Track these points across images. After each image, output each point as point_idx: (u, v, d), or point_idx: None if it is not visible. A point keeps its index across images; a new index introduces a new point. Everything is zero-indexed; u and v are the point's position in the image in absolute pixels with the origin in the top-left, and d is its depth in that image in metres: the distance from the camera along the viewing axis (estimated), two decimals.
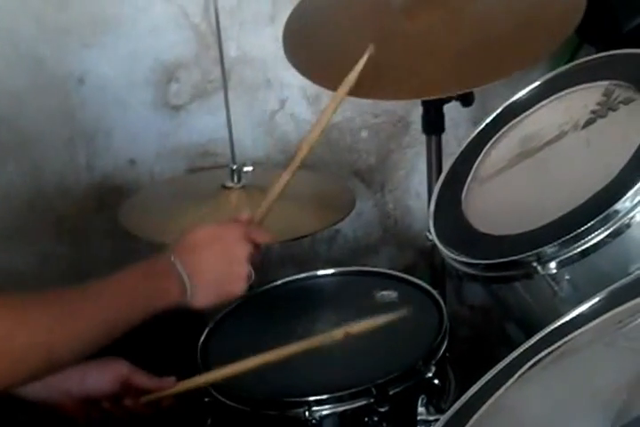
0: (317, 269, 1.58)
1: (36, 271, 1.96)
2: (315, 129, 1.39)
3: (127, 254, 2.00)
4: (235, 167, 1.64)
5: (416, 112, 1.89)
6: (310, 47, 1.61)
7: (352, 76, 1.40)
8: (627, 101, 1.26)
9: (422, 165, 1.91)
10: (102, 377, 1.25)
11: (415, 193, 2.10)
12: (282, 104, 2.00)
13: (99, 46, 1.88)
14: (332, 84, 1.50)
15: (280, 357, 1.26)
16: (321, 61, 1.58)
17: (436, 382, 1.30)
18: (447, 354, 1.36)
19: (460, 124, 1.97)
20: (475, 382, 1.03)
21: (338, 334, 1.29)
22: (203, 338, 1.41)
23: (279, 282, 1.54)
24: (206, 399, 1.32)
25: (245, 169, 1.65)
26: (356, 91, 1.48)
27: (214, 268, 1.21)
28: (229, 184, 1.64)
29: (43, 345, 1.00)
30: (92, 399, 1.26)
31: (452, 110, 1.66)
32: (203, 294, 1.20)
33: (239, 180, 1.64)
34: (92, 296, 1.10)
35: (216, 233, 1.24)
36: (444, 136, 1.68)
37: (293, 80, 1.95)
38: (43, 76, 1.87)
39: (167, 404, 1.27)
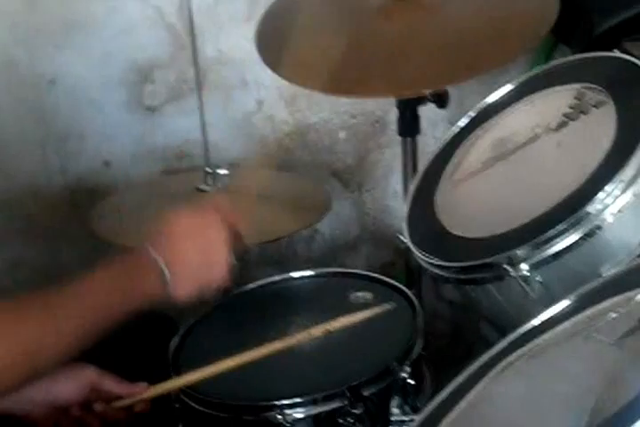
0: (293, 270, 1.59)
1: (6, 275, 1.96)
2: None
3: (100, 258, 2.01)
4: (209, 170, 1.65)
5: (393, 113, 1.88)
6: (285, 47, 1.62)
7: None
8: (598, 104, 1.28)
9: (400, 165, 1.92)
10: (70, 385, 1.23)
11: (393, 193, 2.11)
12: (259, 105, 2.01)
13: (71, 47, 1.87)
14: (307, 83, 1.53)
15: (254, 358, 1.26)
16: (295, 61, 1.59)
17: (411, 382, 1.31)
18: (423, 353, 1.37)
19: (437, 125, 1.99)
20: (451, 379, 1.05)
21: (317, 330, 1.29)
22: (175, 342, 1.41)
23: (252, 285, 1.54)
24: (177, 405, 1.32)
25: (220, 172, 1.66)
26: (332, 88, 1.51)
27: (193, 257, 1.19)
28: (204, 187, 1.65)
29: (27, 352, 1.00)
30: (59, 407, 1.24)
31: (428, 111, 1.67)
32: (184, 285, 1.18)
33: (214, 183, 1.64)
34: (73, 297, 1.09)
35: (193, 221, 1.21)
36: (421, 137, 1.69)
37: (270, 81, 1.95)
38: (14, 78, 1.87)
39: (141, 409, 1.25)
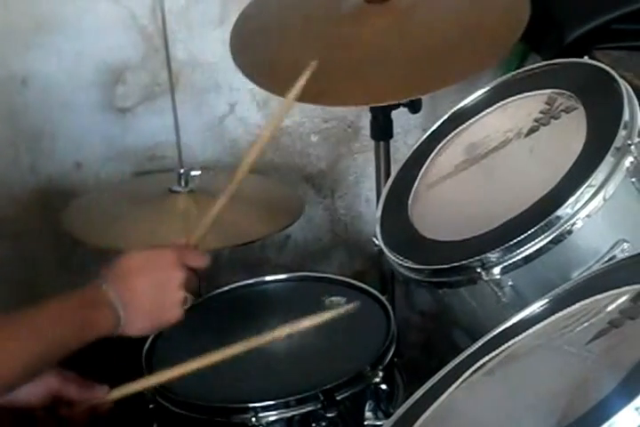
0: (266, 274, 1.60)
1: None
2: (257, 145, 1.37)
3: (71, 259, 2.02)
4: (182, 171, 1.65)
5: (366, 118, 1.90)
6: (257, 51, 1.62)
7: (293, 94, 1.38)
8: (568, 110, 1.30)
9: (372, 171, 1.93)
10: (31, 391, 1.21)
11: (365, 198, 2.13)
12: (231, 108, 2.01)
13: (43, 47, 1.87)
14: (278, 89, 1.51)
15: (221, 358, 1.24)
16: (267, 66, 1.60)
17: (384, 387, 1.33)
18: (395, 359, 1.39)
19: (410, 131, 2.00)
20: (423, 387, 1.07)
21: (282, 331, 1.28)
22: (147, 345, 1.42)
23: (226, 288, 1.55)
24: (151, 406, 1.33)
25: (193, 173, 1.66)
26: (303, 96, 1.48)
27: (148, 295, 1.19)
28: (177, 188, 1.65)
29: None
30: (22, 411, 1.23)
31: (401, 117, 1.69)
32: (136, 323, 1.19)
33: (186, 184, 1.65)
34: (27, 322, 1.10)
35: (149, 259, 1.22)
36: (394, 142, 1.71)
37: (243, 84, 1.93)
38: None
39: (105, 409, 1.25)
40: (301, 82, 1.38)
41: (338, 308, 1.40)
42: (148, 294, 1.20)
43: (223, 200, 1.34)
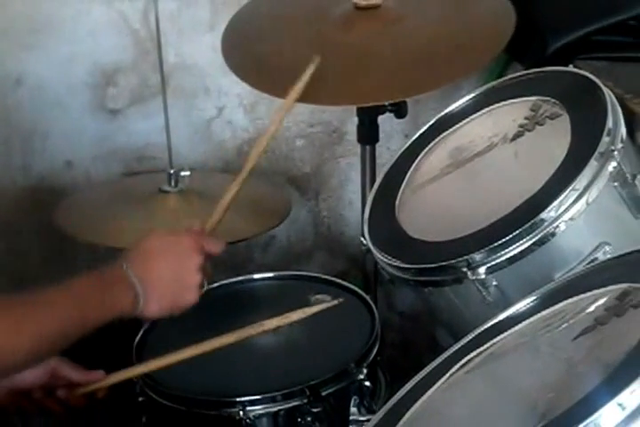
0: (252, 273, 1.60)
1: None
2: (262, 139, 1.40)
3: (61, 256, 2.00)
4: (172, 172, 1.64)
5: (351, 123, 1.92)
6: (248, 53, 1.62)
7: (299, 86, 1.41)
8: (553, 116, 1.30)
9: (355, 175, 1.96)
10: (32, 371, 1.22)
11: (348, 201, 2.12)
12: (219, 111, 2.01)
13: (37, 48, 1.86)
14: (270, 89, 1.54)
15: (210, 348, 1.26)
16: (258, 67, 1.60)
17: (368, 383, 1.33)
18: (378, 358, 1.39)
19: (392, 137, 2.00)
20: (404, 385, 1.06)
21: (269, 323, 1.29)
22: (138, 339, 1.41)
23: (216, 285, 1.54)
24: (141, 399, 1.33)
25: (182, 173, 1.65)
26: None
27: (167, 277, 1.21)
28: (166, 188, 1.64)
29: None
30: (20, 391, 1.24)
31: (385, 123, 1.69)
32: (155, 304, 1.20)
33: (176, 184, 1.64)
34: (43, 304, 1.09)
35: (169, 242, 1.23)
36: (377, 147, 1.71)
37: (231, 88, 1.96)
38: None
39: (102, 395, 1.26)
40: (305, 77, 1.40)
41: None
42: (168, 275, 1.20)
43: (236, 186, 1.37)
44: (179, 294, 1.22)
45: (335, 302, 1.33)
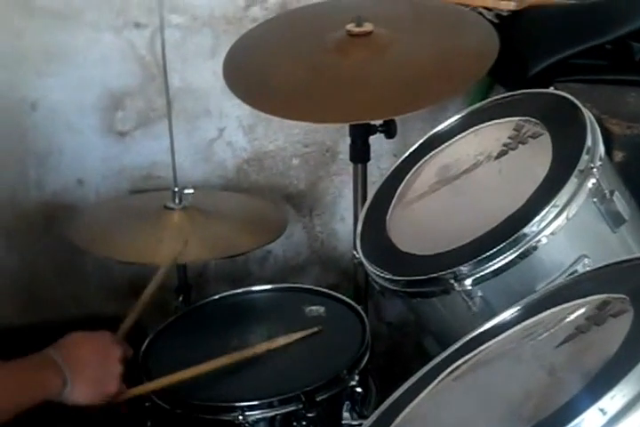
0: (251, 285, 1.59)
1: None
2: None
3: (72, 269, 1.99)
4: (177, 189, 1.63)
5: (343, 143, 1.92)
6: (248, 77, 1.62)
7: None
8: (535, 136, 1.29)
9: (348, 192, 1.94)
10: None
11: (340, 217, 2.11)
12: (220, 133, 2.00)
13: (51, 75, 1.86)
14: (269, 109, 1.55)
15: (213, 367, 1.30)
16: (258, 89, 1.59)
17: (359, 390, 1.32)
18: (369, 365, 1.38)
19: (382, 156, 1.99)
20: (393, 391, 1.03)
21: (260, 348, 1.34)
22: (143, 348, 1.41)
23: (216, 297, 1.54)
24: (147, 404, 1.32)
25: (186, 191, 1.64)
26: (289, 114, 1.54)
27: (92, 365, 1.23)
28: (171, 205, 1.62)
29: None
30: None
31: (375, 143, 1.68)
32: (82, 389, 1.20)
33: (180, 201, 1.62)
34: None
35: (93, 336, 1.26)
36: (368, 166, 1.70)
37: (231, 111, 1.95)
38: None
39: (120, 406, 1.28)
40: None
41: (317, 316, 1.47)
42: (93, 364, 1.23)
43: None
44: (103, 381, 1.23)
45: (315, 329, 1.39)
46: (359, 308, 1.47)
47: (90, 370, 1.22)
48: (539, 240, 1.15)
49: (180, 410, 1.29)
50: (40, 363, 1.19)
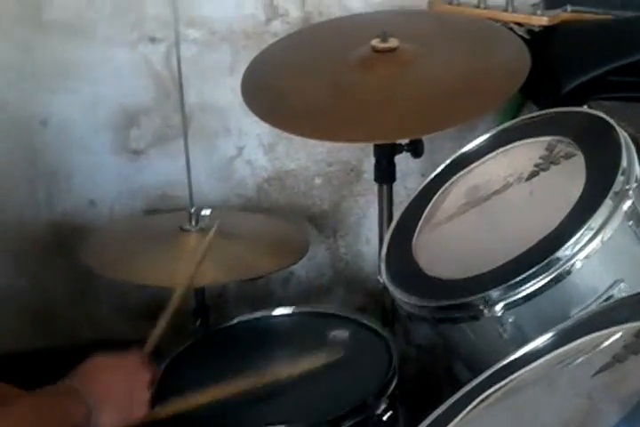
0: (272, 308, 1.59)
1: None
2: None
3: (84, 292, 2.01)
4: (193, 211, 1.64)
5: (368, 162, 1.92)
6: (268, 94, 1.64)
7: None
8: (567, 156, 1.30)
9: (372, 212, 1.95)
10: None
11: (365, 238, 2.12)
12: (239, 151, 2.02)
13: (62, 90, 1.88)
14: (289, 128, 1.57)
15: (234, 392, 1.30)
16: (278, 107, 1.61)
17: (386, 417, 1.33)
18: (396, 392, 1.38)
19: (408, 176, 2.00)
20: (422, 419, 1.05)
21: (281, 373, 1.34)
22: (161, 370, 1.42)
23: (235, 321, 1.55)
24: None
25: (203, 213, 1.65)
26: (311, 132, 1.55)
27: (118, 391, 1.23)
28: (187, 227, 1.63)
29: None
30: None
31: (401, 162, 1.69)
32: (108, 417, 1.21)
33: (197, 223, 1.63)
34: (3, 410, 1.11)
35: (116, 361, 1.26)
36: (394, 186, 1.71)
37: (251, 129, 1.96)
38: (6, 118, 1.87)
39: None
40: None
41: (341, 341, 1.47)
42: (119, 389, 1.23)
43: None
44: (129, 408, 1.24)
45: (338, 354, 1.38)
46: (385, 332, 1.48)
47: (115, 396, 1.22)
48: (573, 264, 1.17)
49: None
50: (62, 392, 1.19)
